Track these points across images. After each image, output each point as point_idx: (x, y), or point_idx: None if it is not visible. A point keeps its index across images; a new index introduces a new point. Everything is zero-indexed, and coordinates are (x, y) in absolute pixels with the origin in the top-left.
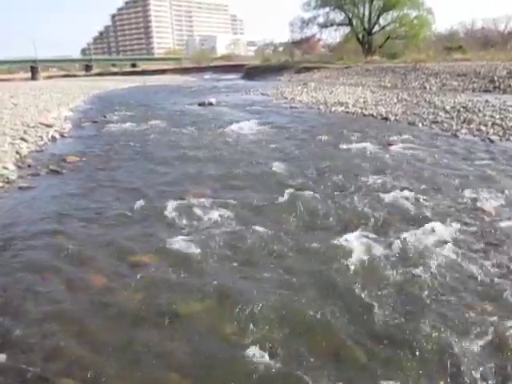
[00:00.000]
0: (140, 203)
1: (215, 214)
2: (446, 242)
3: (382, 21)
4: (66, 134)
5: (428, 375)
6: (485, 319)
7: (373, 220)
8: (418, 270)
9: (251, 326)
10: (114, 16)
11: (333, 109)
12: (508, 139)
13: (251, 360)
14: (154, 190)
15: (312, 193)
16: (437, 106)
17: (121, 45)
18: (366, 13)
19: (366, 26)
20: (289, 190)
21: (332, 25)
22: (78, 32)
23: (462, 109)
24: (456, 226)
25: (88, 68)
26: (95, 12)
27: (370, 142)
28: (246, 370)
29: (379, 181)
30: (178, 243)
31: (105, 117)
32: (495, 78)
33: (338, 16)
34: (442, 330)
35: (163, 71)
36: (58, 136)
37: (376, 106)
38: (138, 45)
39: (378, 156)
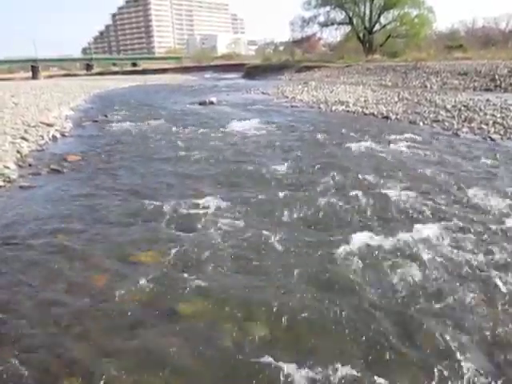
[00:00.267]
0: (141, 203)
1: (216, 214)
2: (446, 241)
3: (382, 20)
4: (66, 134)
5: (428, 373)
6: (485, 317)
7: (373, 219)
8: (419, 269)
9: (252, 325)
10: (114, 15)
11: (333, 108)
12: (509, 138)
13: (252, 360)
14: (155, 189)
15: (313, 192)
16: (438, 105)
17: (121, 44)
18: (367, 12)
19: (367, 24)
20: (290, 189)
21: (333, 24)
22: (78, 32)
23: (463, 108)
24: (457, 224)
25: (89, 67)
26: (95, 11)
27: (370, 141)
28: (246, 369)
29: (380, 180)
30: (180, 243)
31: (106, 116)
32: (496, 77)
33: (339, 15)
34: (443, 328)
35: (164, 70)
36: (58, 135)
37: (377, 104)
38: (139, 44)
39: (379, 155)
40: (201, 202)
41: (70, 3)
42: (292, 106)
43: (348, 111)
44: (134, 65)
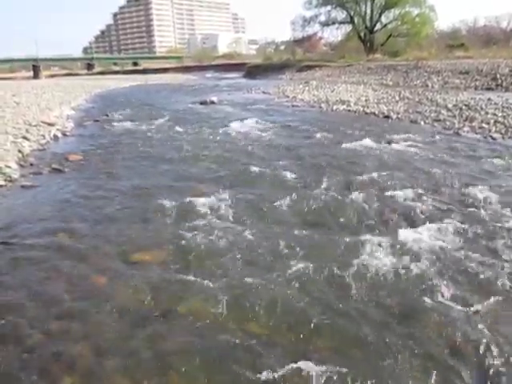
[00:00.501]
0: (142, 202)
1: (218, 213)
2: (446, 240)
3: (383, 19)
4: (68, 133)
5: (429, 371)
6: (485, 316)
7: (374, 218)
8: (419, 268)
9: (253, 324)
10: (115, 14)
11: (334, 107)
12: (510, 137)
13: (253, 359)
14: (157, 188)
15: (314, 191)
16: (439, 104)
17: (122, 43)
18: (368, 11)
19: (368, 24)
20: (291, 188)
21: (334, 23)
22: (78, 31)
23: (464, 107)
24: (457, 223)
25: (90, 67)
26: (96, 11)
27: (371, 141)
28: (247, 369)
29: (381, 179)
30: (181, 242)
31: (107, 115)
32: (498, 76)
33: (340, 14)
34: (443, 327)
35: (165, 70)
36: (60, 135)
37: (378, 104)
38: (140, 43)
39: (380, 154)
40: (202, 201)
41: (70, 3)
42: (293, 106)
43: (349, 110)
44: (135, 64)
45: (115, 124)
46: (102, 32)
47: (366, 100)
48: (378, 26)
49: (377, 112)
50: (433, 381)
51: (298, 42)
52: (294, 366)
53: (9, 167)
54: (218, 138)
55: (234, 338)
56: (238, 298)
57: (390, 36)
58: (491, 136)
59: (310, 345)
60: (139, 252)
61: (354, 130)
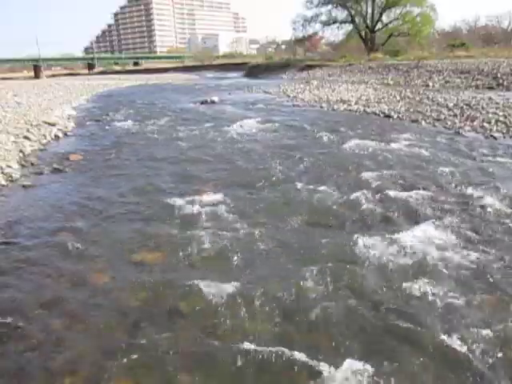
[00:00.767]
0: (143, 202)
1: (219, 213)
2: (447, 239)
3: (384, 18)
4: (69, 133)
5: (429, 370)
6: (485, 314)
7: (374, 217)
8: (420, 268)
9: (254, 324)
10: (116, 14)
11: (335, 107)
12: (511, 136)
13: (255, 359)
14: (158, 188)
15: (314, 190)
16: (440, 104)
17: (123, 43)
18: (369, 10)
19: (369, 23)
20: (291, 188)
21: (334, 22)
22: (79, 31)
23: (465, 106)
24: (458, 222)
25: (91, 66)
26: (96, 11)
27: (372, 140)
28: (248, 368)
29: (381, 179)
30: (182, 242)
31: (108, 115)
32: (499, 75)
33: (341, 13)
34: (443, 325)
35: (166, 69)
36: (61, 134)
37: (379, 103)
38: (141, 43)
39: (381, 154)
40: (203, 201)
41: (70, 2)
42: (294, 105)
43: (350, 110)
44: (136, 64)
45: (116, 124)
46: (103, 32)
47: (366, 99)
48: (379, 25)
49: (378, 111)
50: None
51: (298, 41)
52: (299, 364)
53: (10, 167)
54: (219, 137)
55: (236, 337)
56: (241, 298)
57: (390, 35)
58: (492, 135)
59: (313, 344)
60: (140, 252)
61: (354, 129)
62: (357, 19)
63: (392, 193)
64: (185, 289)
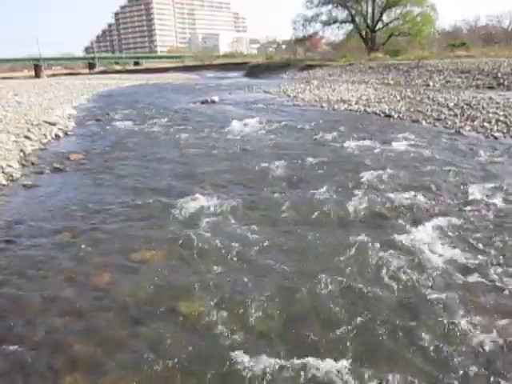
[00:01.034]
0: (143, 201)
1: (219, 212)
2: (447, 239)
3: (385, 18)
4: (69, 132)
5: (429, 369)
6: (485, 314)
7: (375, 217)
8: (420, 267)
9: (254, 324)
10: (116, 14)
11: (335, 106)
12: None
13: (254, 358)
14: (158, 187)
15: (314, 190)
16: (440, 104)
17: (124, 43)
18: (369, 10)
19: (369, 23)
20: (292, 189)
21: (335, 22)
22: (79, 31)
23: (465, 106)
24: (458, 222)
25: (91, 66)
26: (97, 10)
27: (372, 140)
28: (248, 368)
29: (382, 178)
30: (182, 240)
31: (108, 115)
32: (499, 75)
33: (341, 13)
34: (443, 324)
35: (166, 69)
36: (61, 134)
37: (379, 103)
38: (141, 43)
39: (381, 154)
40: (203, 200)
41: (70, 2)
42: (294, 105)
43: (350, 110)
44: (137, 64)
45: (116, 123)
46: (104, 31)
47: (367, 99)
48: (380, 25)
49: (378, 111)
50: None
51: (299, 41)
52: (297, 362)
53: (10, 166)
54: (219, 137)
55: (234, 337)
56: (240, 297)
57: (391, 35)
58: (493, 135)
59: (310, 342)
60: (141, 251)
61: (355, 129)
62: (357, 19)
63: (392, 193)
64: (184, 288)
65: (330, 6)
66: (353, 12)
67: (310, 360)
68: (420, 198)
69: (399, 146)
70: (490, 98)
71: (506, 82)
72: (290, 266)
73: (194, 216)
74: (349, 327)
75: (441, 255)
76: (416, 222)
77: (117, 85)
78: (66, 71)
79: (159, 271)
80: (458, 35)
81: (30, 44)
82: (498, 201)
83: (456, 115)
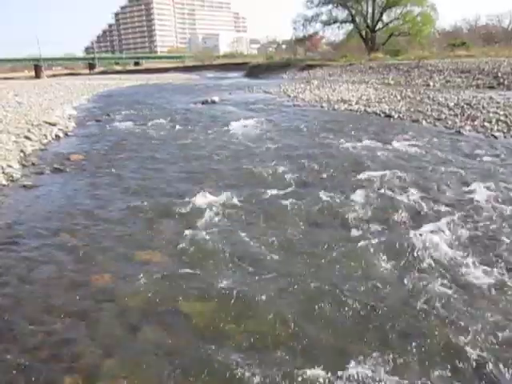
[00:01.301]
0: (144, 201)
1: (219, 213)
2: (448, 239)
3: (385, 18)
4: (69, 133)
5: (430, 369)
6: (485, 314)
7: (375, 217)
8: (420, 268)
9: (255, 325)
10: (117, 14)
11: (336, 106)
12: None
13: (255, 361)
14: (158, 188)
15: (314, 191)
16: (440, 103)
17: (124, 43)
18: (369, 10)
19: (369, 23)
20: (291, 188)
21: (335, 22)
22: (79, 31)
23: (465, 106)
24: (459, 222)
25: (92, 66)
26: (97, 11)
27: (373, 140)
28: (248, 369)
29: (382, 179)
30: (182, 242)
31: (108, 115)
32: (499, 75)
33: (341, 13)
34: (444, 324)
35: (166, 69)
36: (61, 134)
37: (379, 103)
38: (141, 43)
39: (381, 154)
40: (204, 201)
41: (70, 2)
42: (294, 105)
43: (350, 110)
44: (137, 64)
45: (117, 124)
46: (104, 31)
47: (367, 99)
48: (380, 24)
49: (378, 111)
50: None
51: (299, 41)
52: (297, 365)
53: (11, 167)
54: (219, 137)
55: (235, 338)
56: (241, 298)
57: (391, 35)
58: (493, 135)
59: (310, 344)
60: (141, 251)
61: (355, 129)
62: (357, 19)
63: (393, 193)
64: (186, 290)
65: (330, 6)
66: (353, 12)
67: (315, 366)
68: (421, 198)
69: (399, 146)
70: (491, 98)
71: (506, 82)
72: (291, 267)
73: (194, 217)
74: (351, 330)
75: (442, 255)
76: (417, 222)
77: (117, 85)
78: (66, 71)
79: (160, 272)
80: (458, 35)
81: (31, 44)
82: (498, 201)
83: (456, 115)
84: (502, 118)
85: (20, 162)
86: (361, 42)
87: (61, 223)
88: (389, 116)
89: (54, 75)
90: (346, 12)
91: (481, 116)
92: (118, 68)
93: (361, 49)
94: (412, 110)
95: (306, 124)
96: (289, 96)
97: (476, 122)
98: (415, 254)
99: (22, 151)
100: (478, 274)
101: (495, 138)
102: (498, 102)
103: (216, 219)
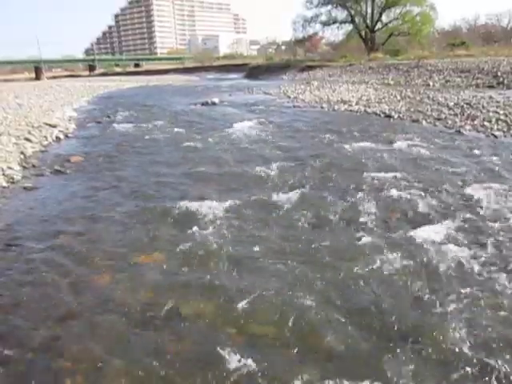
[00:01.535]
0: (144, 203)
1: (220, 215)
2: (448, 240)
3: (384, 18)
4: (70, 134)
5: (430, 369)
6: (485, 314)
7: (376, 218)
8: (421, 268)
9: (255, 326)
10: (116, 16)
11: (336, 107)
12: None
13: (255, 361)
14: (158, 190)
15: (315, 192)
16: (440, 103)
17: (124, 44)
18: (369, 10)
19: (369, 23)
20: (292, 189)
21: (334, 22)
22: (79, 31)
23: (465, 105)
24: (460, 223)
25: (92, 68)
26: (97, 11)
27: (373, 140)
28: (249, 370)
29: (382, 179)
30: (183, 243)
31: (109, 117)
32: (499, 74)
33: (341, 13)
34: (444, 325)
35: (166, 71)
36: (62, 136)
37: (379, 103)
38: (141, 44)
39: (382, 154)
40: (204, 203)
41: (70, 3)
42: (294, 106)
43: (351, 110)
44: (137, 65)
45: (117, 125)
46: (104, 33)
47: (367, 100)
48: (379, 25)
49: (378, 111)
50: None
51: (299, 42)
52: (298, 368)
53: (11, 168)
54: (220, 139)
55: (236, 339)
56: (242, 300)
57: (390, 35)
58: (493, 134)
59: (312, 346)
60: (141, 254)
61: (355, 130)
62: (357, 19)
63: (393, 193)
64: (186, 291)
65: (329, 7)
66: (352, 12)
67: (311, 364)
68: (421, 198)
69: (400, 146)
70: (490, 97)
71: (505, 81)
72: (293, 269)
73: (195, 219)
74: (354, 333)
75: (443, 256)
76: (418, 223)
77: (117, 87)
78: (66, 73)
79: (160, 273)
80: (458, 34)
81: (31, 44)
82: (499, 200)
83: (456, 114)
84: (502, 117)
85: (20, 163)
86: (360, 42)
87: (61, 225)
88: (389, 116)
89: (54, 77)
90: (346, 12)
91: (481, 115)
92: (118, 70)
93: (360, 49)
94: (412, 110)
95: (307, 125)
96: (289, 97)
97: (476, 122)
98: (417, 255)
99: (22, 153)
100: (479, 275)
101: (495, 137)
102: (497, 102)
103: (217, 221)
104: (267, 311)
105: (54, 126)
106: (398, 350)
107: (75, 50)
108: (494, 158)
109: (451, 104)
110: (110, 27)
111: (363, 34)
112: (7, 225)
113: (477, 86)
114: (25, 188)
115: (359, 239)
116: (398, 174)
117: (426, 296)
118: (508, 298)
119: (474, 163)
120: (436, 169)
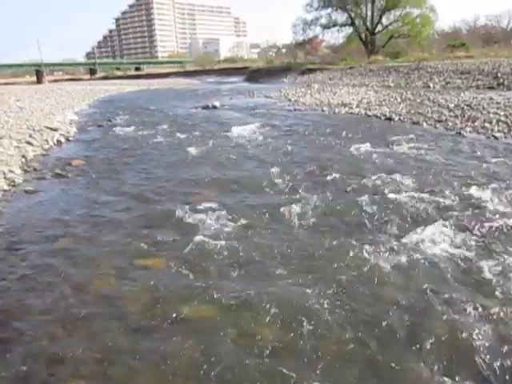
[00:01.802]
0: (145, 207)
1: (221, 218)
2: (448, 241)
3: (384, 20)
4: (71, 138)
5: (431, 370)
6: (485, 315)
7: (376, 220)
8: (422, 269)
9: (258, 330)
10: (117, 19)
11: (336, 110)
12: None
13: (258, 364)
14: (159, 193)
15: (317, 195)
16: (441, 105)
17: (125, 48)
18: (369, 13)
19: (369, 25)
20: (294, 193)
21: (335, 25)
22: (80, 36)
23: (466, 107)
24: (461, 224)
25: (92, 72)
26: (97, 11)
27: (373, 143)
28: (252, 374)
29: (383, 182)
30: (184, 247)
31: (110, 121)
32: (499, 75)
33: (341, 16)
34: (444, 325)
35: (167, 74)
36: (63, 140)
37: (380, 106)
38: (142, 48)
39: (382, 157)
40: (205, 206)
41: (71, 7)
42: (295, 109)
43: (351, 113)
44: (138, 69)
45: (118, 129)
46: (105, 37)
47: (367, 102)
48: (379, 27)
49: (379, 114)
50: None
51: (299, 45)
52: (300, 371)
53: (12, 172)
54: (220, 142)
55: (238, 343)
56: (243, 303)
57: (390, 37)
58: (494, 135)
59: (314, 348)
60: (142, 257)
61: (356, 132)
62: (357, 22)
63: (394, 196)
64: (188, 295)
65: (329, 10)
66: (352, 15)
67: (314, 368)
68: (422, 200)
69: (400, 148)
70: (491, 99)
71: (506, 82)
72: (295, 272)
73: (195, 222)
74: (355, 336)
75: (442, 257)
76: (420, 224)
77: (118, 90)
78: (67, 77)
79: (162, 277)
80: (458, 36)
81: (31, 44)
82: (499, 201)
83: (457, 116)
84: (503, 118)
85: (21, 167)
86: (360, 44)
87: (62, 228)
88: (389, 119)
89: (56, 80)
90: (346, 15)
91: (481, 117)
92: (119, 73)
93: (361, 52)
94: (412, 112)
95: (308, 128)
96: (289, 100)
97: (476, 123)
98: (418, 255)
99: (23, 156)
100: (482, 275)
101: (496, 138)
102: (498, 103)
103: (218, 224)
104: (269, 314)
105: (55, 130)
106: (402, 354)
107: (77, 55)
108: (495, 160)
109: (452, 106)
110: (110, 31)
111: (363, 36)
112: (8, 228)
113: (477, 87)
114: (26, 191)
115: (361, 241)
116: (399, 177)
117: (431, 299)
118: (505, 296)
119: (474, 165)
120: (437, 171)
